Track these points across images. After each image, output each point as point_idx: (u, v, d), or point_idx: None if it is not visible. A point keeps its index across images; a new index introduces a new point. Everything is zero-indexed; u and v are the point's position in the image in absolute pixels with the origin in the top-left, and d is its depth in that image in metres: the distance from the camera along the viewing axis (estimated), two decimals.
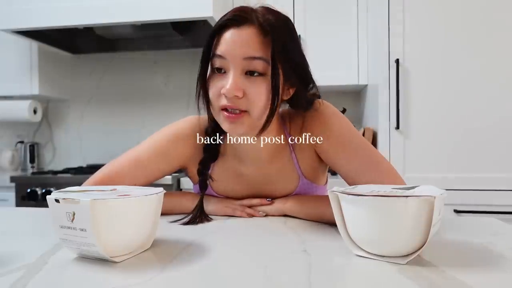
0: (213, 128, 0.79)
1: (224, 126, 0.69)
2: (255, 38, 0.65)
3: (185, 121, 0.83)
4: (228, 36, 0.66)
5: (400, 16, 1.67)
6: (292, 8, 2.02)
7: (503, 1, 1.60)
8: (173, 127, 0.83)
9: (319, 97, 0.79)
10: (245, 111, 0.67)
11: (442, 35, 1.64)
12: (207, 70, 0.71)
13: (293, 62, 0.69)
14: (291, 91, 0.73)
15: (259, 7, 0.69)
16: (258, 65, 0.65)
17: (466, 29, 1.63)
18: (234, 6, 0.71)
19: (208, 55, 0.69)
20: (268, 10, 0.68)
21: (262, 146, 0.77)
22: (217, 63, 0.67)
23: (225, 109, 0.67)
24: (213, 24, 1.89)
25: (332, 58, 2.00)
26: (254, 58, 0.65)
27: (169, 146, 0.80)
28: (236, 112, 0.67)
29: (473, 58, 1.62)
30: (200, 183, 0.80)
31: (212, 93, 0.69)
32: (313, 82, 0.74)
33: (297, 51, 0.71)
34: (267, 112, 0.67)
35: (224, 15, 0.68)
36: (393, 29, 1.67)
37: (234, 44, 0.65)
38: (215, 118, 0.72)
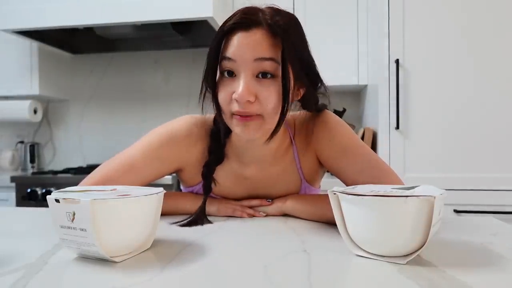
0: (220, 130, 0.77)
1: (237, 130, 0.68)
2: (265, 40, 0.64)
3: (180, 120, 0.81)
4: (237, 39, 0.65)
5: (400, 16, 1.67)
6: (292, 9, 2.02)
7: (503, 1, 1.60)
8: (168, 127, 0.80)
9: (326, 106, 0.80)
10: (258, 115, 0.66)
11: (442, 35, 1.64)
12: (215, 73, 0.69)
13: (303, 62, 0.69)
14: (301, 92, 0.72)
15: (266, 7, 0.68)
16: (269, 67, 0.64)
17: (466, 29, 1.63)
18: (234, 6, 0.71)
19: (216, 58, 0.68)
20: (275, 11, 0.67)
21: (266, 147, 0.77)
22: (227, 65, 0.66)
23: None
24: (213, 24, 1.89)
25: (332, 58, 2.00)
26: (265, 59, 0.64)
27: (164, 150, 0.78)
28: (249, 115, 0.66)
29: (473, 58, 1.62)
30: (204, 187, 0.79)
31: (222, 98, 0.67)
32: (322, 81, 0.74)
33: (306, 51, 0.70)
34: (278, 114, 0.67)
35: (231, 17, 0.66)
36: (393, 29, 1.67)
37: (244, 46, 0.64)
38: (227, 123, 0.71)
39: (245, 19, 0.65)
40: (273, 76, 0.65)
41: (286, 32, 0.65)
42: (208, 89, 0.71)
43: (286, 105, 0.66)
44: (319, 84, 0.74)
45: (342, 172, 0.77)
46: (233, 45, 0.65)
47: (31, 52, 2.26)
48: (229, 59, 0.65)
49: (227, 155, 0.81)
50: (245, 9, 0.67)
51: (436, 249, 0.55)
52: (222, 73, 0.68)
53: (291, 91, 0.67)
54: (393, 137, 1.69)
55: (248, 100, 0.64)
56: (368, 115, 2.05)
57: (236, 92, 0.64)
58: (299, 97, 0.73)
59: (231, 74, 0.66)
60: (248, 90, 0.64)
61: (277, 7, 0.69)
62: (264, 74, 0.65)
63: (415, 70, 1.66)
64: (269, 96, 0.65)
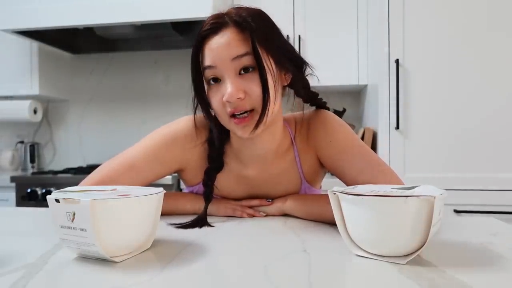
0: (217, 136, 0.78)
1: (238, 132, 0.70)
2: (235, 37, 0.66)
3: (181, 121, 0.81)
4: (211, 45, 0.67)
5: (400, 16, 1.67)
6: (292, 8, 2.02)
7: (503, 1, 1.60)
8: (168, 129, 0.81)
9: (325, 105, 0.82)
10: (252, 110, 0.68)
11: (442, 35, 1.64)
12: (202, 86, 0.72)
13: (280, 47, 0.71)
14: (288, 77, 0.74)
15: (230, 8, 0.71)
16: (247, 61, 0.66)
17: (466, 29, 1.63)
18: (234, 6, 0.72)
19: (199, 71, 0.70)
20: (239, 8, 0.70)
21: (267, 147, 0.78)
22: (210, 74, 0.68)
23: (233, 115, 0.68)
24: None
25: (332, 58, 2.00)
26: (241, 55, 0.66)
27: (165, 151, 0.78)
28: (245, 115, 0.68)
29: (473, 58, 1.62)
30: (204, 195, 0.79)
31: (216, 104, 0.69)
32: (305, 62, 0.75)
33: (280, 37, 0.72)
34: (270, 103, 0.68)
35: (201, 28, 0.69)
36: (393, 29, 1.67)
37: (218, 50, 0.66)
38: (227, 128, 0.72)
39: (214, 24, 0.68)
40: (254, 68, 0.67)
41: (253, 23, 0.67)
42: (200, 104, 0.74)
43: (266, 94, 0.67)
44: (304, 67, 0.76)
45: (341, 172, 0.77)
46: (209, 53, 0.67)
47: (31, 52, 2.26)
48: (210, 67, 0.68)
49: (227, 157, 0.81)
50: (212, 15, 0.70)
51: (436, 249, 0.55)
52: (208, 83, 0.70)
53: (275, 78, 0.68)
54: (393, 137, 1.69)
55: (239, 98, 0.66)
56: (368, 115, 2.05)
57: (225, 94, 0.66)
58: (287, 82, 0.75)
59: (216, 80, 0.69)
60: (236, 88, 0.66)
61: (241, 5, 0.72)
62: (245, 69, 0.67)
63: (415, 70, 1.66)
64: (256, 88, 0.67)
